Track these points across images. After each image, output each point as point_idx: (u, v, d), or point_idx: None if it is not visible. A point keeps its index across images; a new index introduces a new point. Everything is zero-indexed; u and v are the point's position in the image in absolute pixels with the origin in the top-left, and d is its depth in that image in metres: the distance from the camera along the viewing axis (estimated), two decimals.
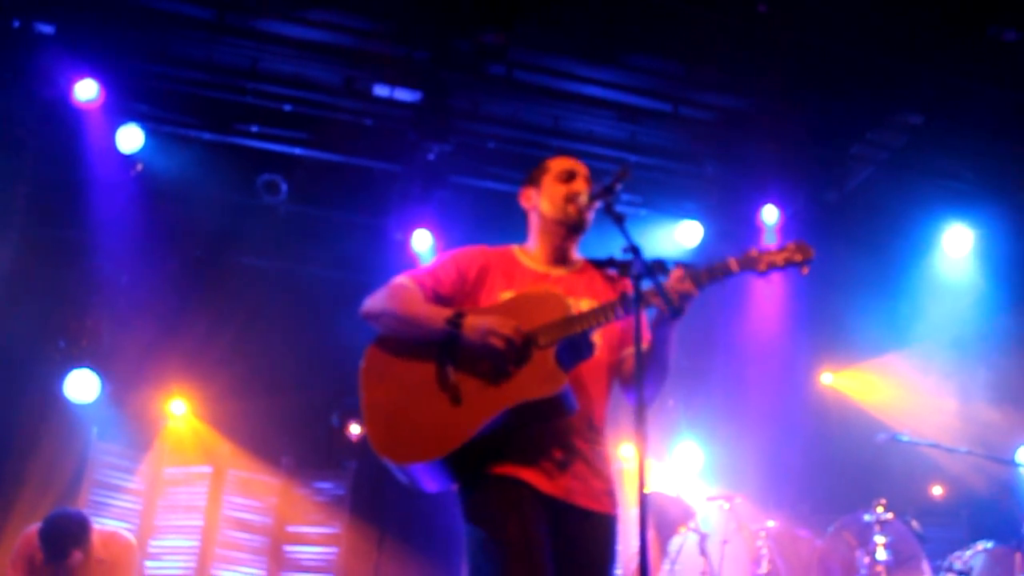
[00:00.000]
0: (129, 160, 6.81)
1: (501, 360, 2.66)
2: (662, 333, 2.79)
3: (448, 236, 7.03)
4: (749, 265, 2.74)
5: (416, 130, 6.87)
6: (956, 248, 7.81)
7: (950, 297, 7.93)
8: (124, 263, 7.11)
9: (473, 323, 2.69)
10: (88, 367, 6.77)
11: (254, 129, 6.97)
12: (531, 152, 7.10)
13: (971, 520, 7.91)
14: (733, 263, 2.73)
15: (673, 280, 2.66)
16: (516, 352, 2.66)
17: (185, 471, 7.40)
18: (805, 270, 2.73)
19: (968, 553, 5.70)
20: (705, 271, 2.71)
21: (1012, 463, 7.23)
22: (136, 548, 5.45)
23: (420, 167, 6.95)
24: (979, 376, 7.75)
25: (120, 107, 6.61)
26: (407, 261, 6.90)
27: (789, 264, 2.73)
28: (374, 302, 2.88)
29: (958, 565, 5.59)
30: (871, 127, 7.32)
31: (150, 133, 6.77)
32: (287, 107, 6.88)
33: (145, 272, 7.15)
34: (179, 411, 7.38)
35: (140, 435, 7.34)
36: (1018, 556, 5.36)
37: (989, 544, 5.66)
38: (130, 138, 6.67)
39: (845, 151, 7.56)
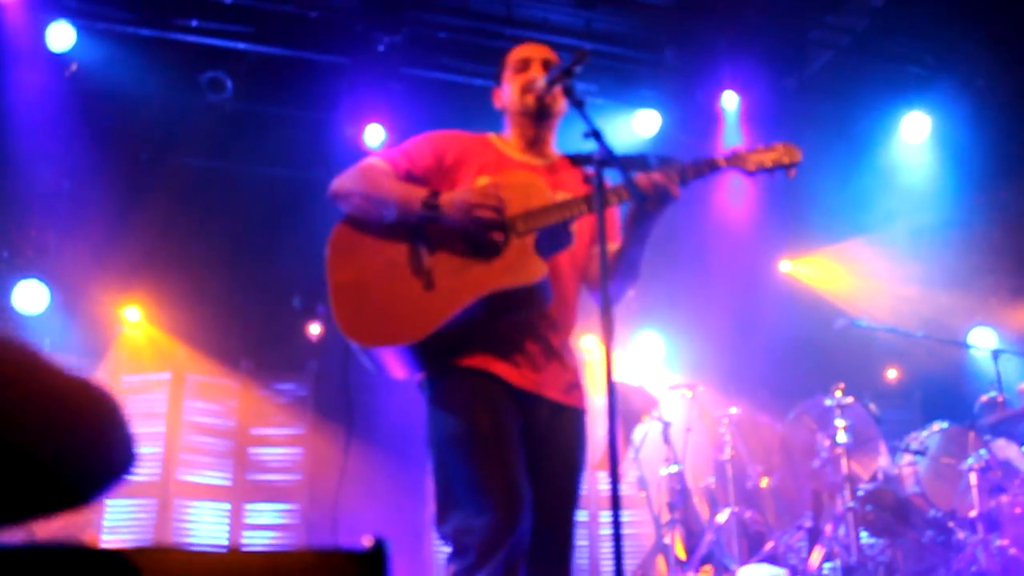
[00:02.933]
0: (62, 60, 6.48)
1: (485, 234, 2.56)
2: (637, 232, 2.71)
3: (400, 129, 6.84)
4: (737, 163, 2.69)
5: (364, 21, 6.61)
6: (914, 134, 7.79)
7: (907, 184, 7.95)
8: (65, 169, 6.85)
9: (452, 199, 2.58)
10: (35, 277, 6.59)
11: (194, 24, 6.65)
12: (484, 42, 6.89)
13: (924, 401, 8.12)
14: (721, 160, 2.68)
15: (656, 175, 2.58)
16: (502, 223, 2.56)
17: (143, 378, 7.32)
18: (792, 173, 2.70)
19: (924, 433, 5.83)
20: (691, 165, 2.63)
21: (965, 345, 7.40)
22: None
23: (370, 59, 6.71)
24: (934, 261, 7.83)
25: (46, 2, 6.25)
26: (359, 156, 6.70)
27: (777, 166, 2.68)
28: (343, 181, 2.74)
29: (914, 445, 5.72)
30: (831, 10, 7.16)
31: (82, 30, 6.41)
32: None
33: (88, 177, 6.90)
34: (133, 318, 7.25)
35: (94, 344, 7.22)
36: (971, 435, 5.49)
37: (944, 424, 5.79)
38: (60, 36, 6.31)
39: (804, 36, 7.41)
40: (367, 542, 0.81)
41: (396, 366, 2.66)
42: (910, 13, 7.01)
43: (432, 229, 2.62)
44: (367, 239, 2.69)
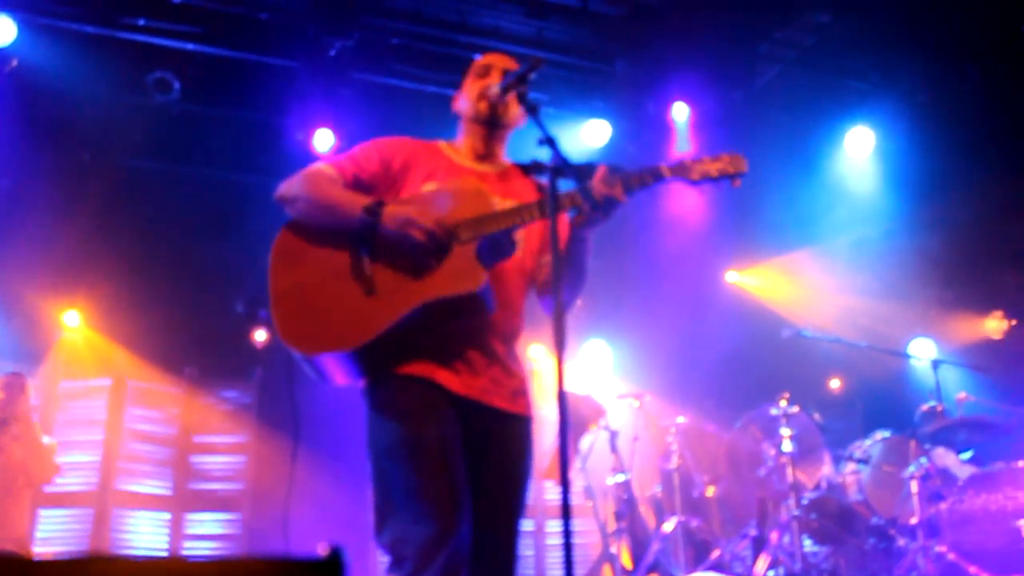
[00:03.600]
0: (2, 55, 6.31)
1: (420, 253, 2.55)
2: (580, 235, 2.71)
3: (350, 135, 6.78)
4: (681, 173, 2.68)
5: (315, 24, 6.54)
6: (858, 149, 7.94)
7: (851, 197, 8.09)
8: (3, 167, 6.68)
9: (393, 213, 2.56)
10: None
11: (141, 23, 6.52)
12: (436, 49, 6.86)
13: (867, 411, 8.27)
14: (665, 169, 2.67)
15: (601, 183, 2.58)
16: (436, 246, 2.55)
17: (82, 384, 7.17)
18: (737, 183, 2.70)
19: (867, 443, 5.92)
20: (636, 175, 2.64)
21: (906, 356, 7.54)
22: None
23: (320, 63, 6.64)
24: (876, 273, 7.98)
25: None
26: (308, 161, 6.63)
27: (722, 176, 2.69)
28: (290, 186, 2.70)
29: (858, 454, 5.81)
30: (779, 25, 7.27)
31: (24, 25, 6.25)
32: None
33: (28, 177, 6.74)
34: (73, 322, 7.08)
35: (32, 348, 7.05)
36: (912, 444, 5.58)
37: (886, 433, 5.89)
38: (0, 30, 6.15)
39: (754, 49, 7.51)
40: (323, 550, 0.78)
41: (337, 373, 2.62)
42: (855, 30, 7.14)
43: (375, 236, 2.59)
44: (311, 246, 2.66)
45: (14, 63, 6.37)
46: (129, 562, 0.89)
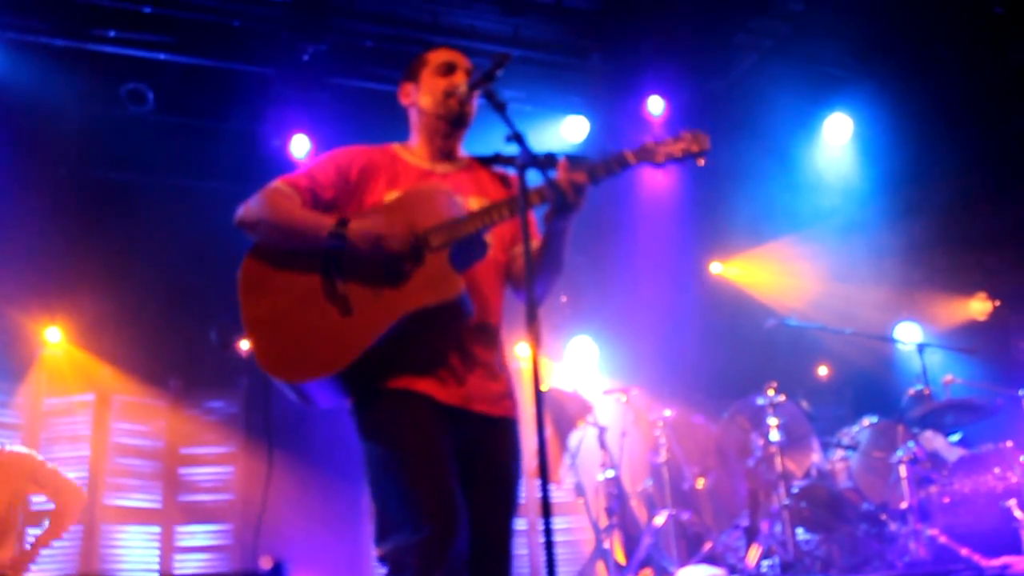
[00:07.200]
0: None
1: (396, 264, 2.51)
2: (555, 228, 2.67)
3: (327, 140, 6.74)
4: (646, 157, 2.65)
5: (289, 30, 6.52)
6: (836, 136, 7.96)
7: (830, 184, 8.11)
8: None
9: (359, 229, 2.51)
10: None
11: (111, 34, 6.48)
12: (411, 50, 6.78)
13: (855, 397, 8.28)
14: (630, 155, 2.64)
15: (566, 173, 2.55)
16: (411, 253, 2.51)
17: (66, 400, 7.10)
18: (701, 161, 2.67)
19: (855, 428, 5.93)
20: (601, 164, 2.61)
21: (891, 340, 7.56)
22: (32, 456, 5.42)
23: (295, 69, 6.61)
24: (858, 259, 8.00)
25: None
26: (286, 168, 6.61)
27: (687, 155, 2.66)
28: (249, 210, 2.64)
29: (846, 440, 5.82)
30: (753, 14, 7.27)
31: None
32: (147, 9, 6.39)
33: (3, 193, 6.66)
34: (54, 338, 7.02)
35: (13, 366, 6.98)
36: (900, 428, 5.59)
37: (874, 419, 5.90)
38: None
39: (728, 39, 7.51)
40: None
41: (322, 397, 2.59)
42: (830, 16, 7.15)
43: (344, 256, 2.55)
44: (278, 270, 2.61)
45: None
46: None
